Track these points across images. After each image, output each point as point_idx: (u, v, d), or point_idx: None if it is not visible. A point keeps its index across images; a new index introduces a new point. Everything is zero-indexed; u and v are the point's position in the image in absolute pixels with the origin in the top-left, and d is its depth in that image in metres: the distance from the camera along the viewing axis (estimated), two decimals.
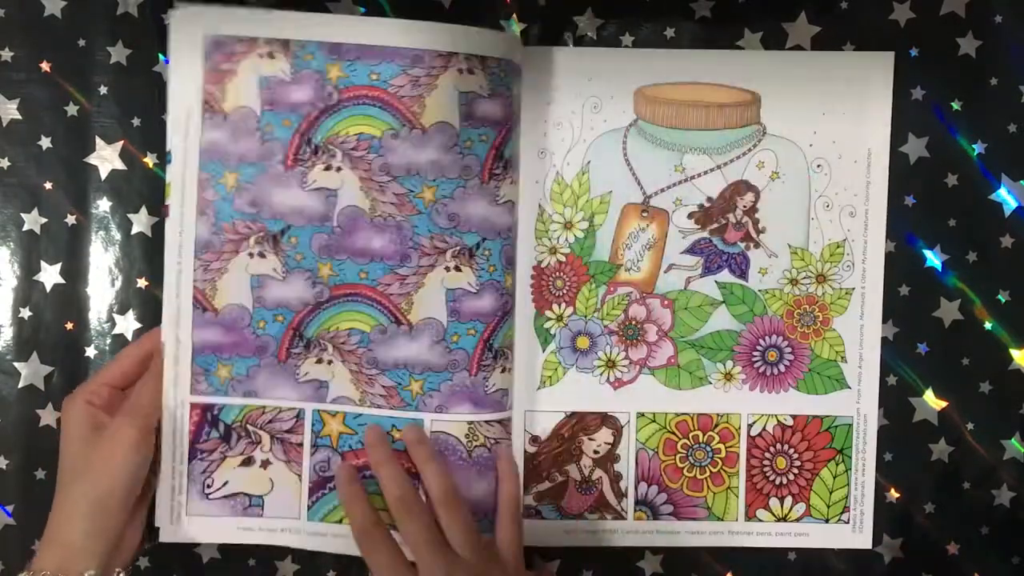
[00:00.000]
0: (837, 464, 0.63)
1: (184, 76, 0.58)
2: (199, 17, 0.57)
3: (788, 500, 0.63)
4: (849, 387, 0.62)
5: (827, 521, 0.63)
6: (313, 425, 0.59)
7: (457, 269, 0.58)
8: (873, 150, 0.62)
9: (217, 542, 0.61)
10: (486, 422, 0.59)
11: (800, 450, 0.63)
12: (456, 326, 0.58)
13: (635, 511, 0.62)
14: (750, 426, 0.62)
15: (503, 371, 0.59)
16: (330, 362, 0.59)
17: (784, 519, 0.63)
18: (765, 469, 0.63)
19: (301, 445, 0.59)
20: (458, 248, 0.58)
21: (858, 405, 0.63)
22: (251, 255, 0.59)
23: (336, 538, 0.59)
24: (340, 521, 0.59)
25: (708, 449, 0.62)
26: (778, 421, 0.63)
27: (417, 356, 0.58)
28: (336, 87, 0.57)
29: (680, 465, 0.63)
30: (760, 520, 0.63)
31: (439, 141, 0.57)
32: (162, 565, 0.63)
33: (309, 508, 0.59)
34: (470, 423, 0.59)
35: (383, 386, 0.58)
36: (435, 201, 0.57)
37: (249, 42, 0.58)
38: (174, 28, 0.58)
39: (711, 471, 0.63)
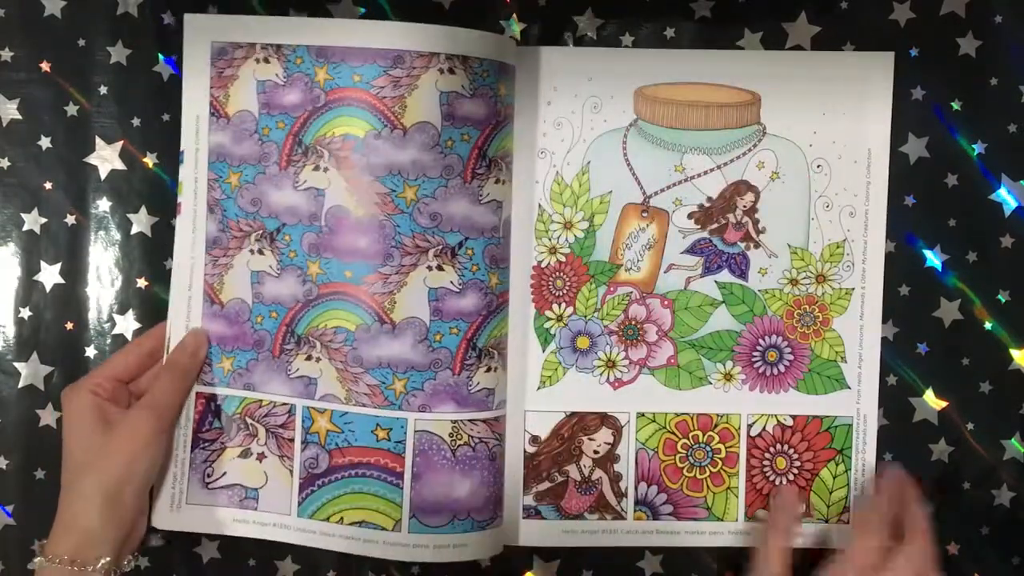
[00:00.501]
0: (837, 464, 0.62)
1: (194, 81, 0.60)
2: (207, 25, 0.60)
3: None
4: (849, 387, 0.62)
5: (827, 521, 0.63)
6: (303, 421, 0.60)
7: (439, 268, 0.58)
8: (873, 150, 0.62)
9: (211, 532, 0.61)
10: (470, 421, 0.59)
11: (800, 450, 0.62)
12: (439, 325, 0.58)
13: (635, 511, 0.62)
14: (750, 426, 0.62)
15: (488, 370, 0.59)
16: (318, 359, 0.59)
17: None
18: (765, 469, 0.63)
19: (293, 440, 0.60)
20: (440, 247, 0.58)
21: (858, 405, 0.62)
22: (251, 251, 0.60)
23: (324, 536, 0.59)
24: (328, 519, 0.59)
25: (708, 449, 0.62)
26: (778, 421, 0.63)
27: (400, 355, 0.58)
28: (323, 89, 0.58)
29: (680, 465, 0.62)
30: (760, 520, 0.62)
31: (420, 141, 0.57)
32: (162, 565, 0.63)
33: (299, 504, 0.60)
34: (453, 422, 0.59)
35: (367, 384, 0.59)
36: (417, 200, 0.58)
37: (248, 47, 0.59)
38: (186, 36, 0.60)
39: (711, 471, 0.63)
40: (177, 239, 0.61)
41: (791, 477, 0.62)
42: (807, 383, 0.62)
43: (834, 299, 0.62)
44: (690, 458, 0.62)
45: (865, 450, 0.62)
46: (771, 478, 0.62)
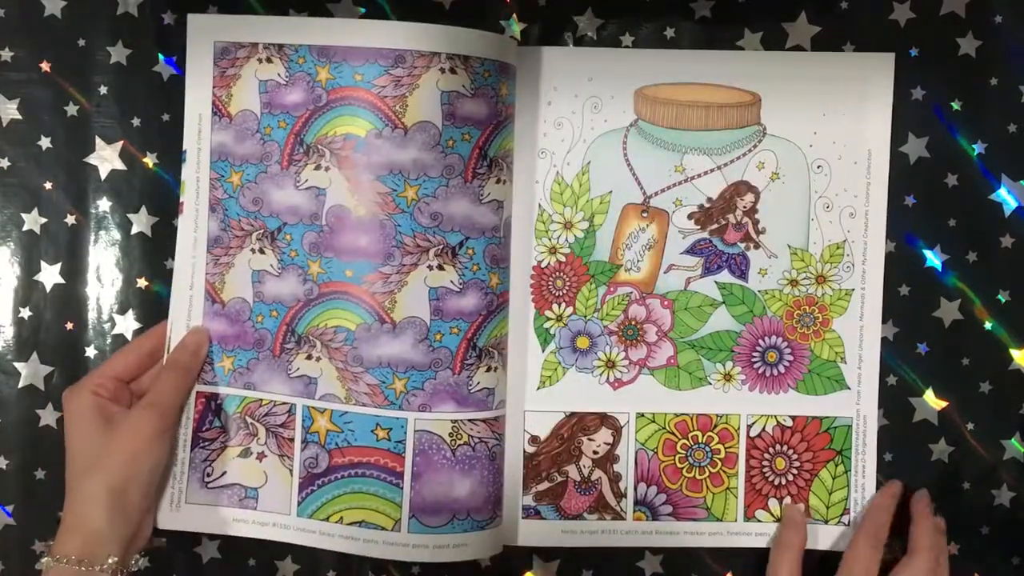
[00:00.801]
0: (836, 465, 0.62)
1: (196, 81, 0.60)
2: (210, 25, 0.60)
3: (788, 501, 0.62)
4: (849, 388, 0.62)
5: (827, 522, 0.63)
6: (303, 421, 0.60)
7: (440, 268, 0.58)
8: (873, 150, 0.62)
9: (211, 532, 0.61)
10: (470, 421, 0.59)
11: (799, 451, 0.62)
12: (439, 324, 0.58)
13: (634, 511, 0.62)
14: (749, 427, 0.62)
15: (488, 370, 0.59)
16: (319, 359, 0.59)
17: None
18: (764, 470, 0.62)
19: (293, 440, 0.60)
20: (441, 247, 0.58)
21: (858, 406, 0.62)
22: (252, 251, 0.60)
23: (323, 535, 0.59)
24: (327, 519, 0.59)
25: (707, 449, 0.62)
26: (777, 422, 0.62)
27: (400, 354, 0.58)
28: (325, 89, 0.58)
29: (679, 465, 0.62)
30: (759, 521, 0.62)
31: (421, 140, 0.57)
32: (162, 565, 0.63)
33: (299, 504, 0.60)
34: (454, 422, 0.59)
35: (367, 384, 0.59)
36: (418, 200, 0.58)
37: (251, 47, 0.59)
38: (189, 36, 0.60)
39: (710, 471, 0.62)
40: (179, 238, 0.61)
41: (790, 478, 0.62)
42: (807, 384, 0.62)
43: (834, 300, 0.62)
44: (689, 458, 0.62)
45: (865, 451, 0.62)
46: (770, 479, 0.62)
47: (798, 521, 0.62)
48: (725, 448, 0.62)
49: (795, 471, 0.62)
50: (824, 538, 0.63)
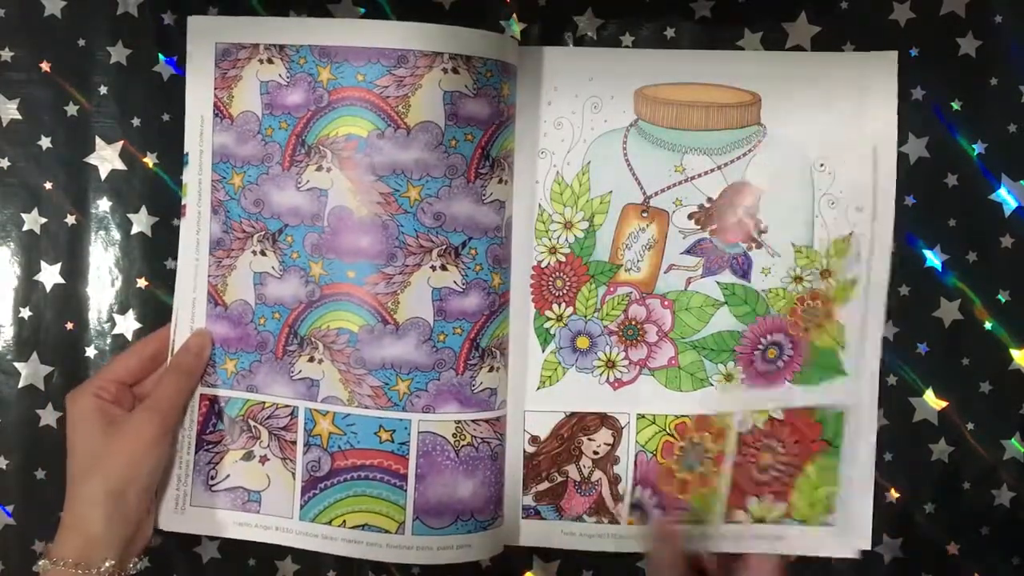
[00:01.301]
0: (827, 457, 0.61)
1: (198, 82, 0.60)
2: (211, 26, 0.60)
3: (769, 499, 0.61)
4: (846, 373, 0.61)
5: (805, 523, 0.61)
6: (306, 424, 0.59)
7: (443, 268, 0.58)
8: (878, 148, 0.62)
9: (214, 535, 0.61)
10: (473, 421, 0.59)
11: (788, 443, 0.61)
12: (442, 325, 0.58)
13: (629, 515, 0.62)
14: (740, 423, 0.62)
15: (491, 370, 0.59)
16: (321, 361, 0.59)
17: (763, 521, 0.61)
18: (750, 466, 0.62)
19: (295, 443, 0.60)
20: (444, 247, 0.58)
21: (853, 391, 0.61)
22: (254, 253, 0.60)
23: (326, 539, 0.59)
24: (330, 523, 0.59)
25: (701, 449, 0.62)
26: (770, 416, 0.62)
27: (404, 356, 0.58)
28: (327, 89, 0.58)
29: (675, 467, 0.62)
30: (738, 523, 0.62)
31: (423, 140, 0.57)
32: (162, 565, 0.63)
33: (301, 507, 0.60)
34: (457, 423, 0.59)
35: (370, 386, 0.58)
36: (420, 200, 0.58)
37: (252, 48, 0.59)
38: (189, 37, 0.60)
39: (699, 471, 0.62)
40: (181, 241, 0.60)
41: (774, 473, 0.61)
42: (804, 374, 0.62)
43: (838, 290, 0.62)
44: (684, 460, 0.62)
45: (858, 441, 0.61)
46: (753, 475, 0.61)
47: (668, 534, 0.58)
48: (717, 447, 0.62)
49: (781, 465, 0.61)
50: (802, 542, 0.61)
